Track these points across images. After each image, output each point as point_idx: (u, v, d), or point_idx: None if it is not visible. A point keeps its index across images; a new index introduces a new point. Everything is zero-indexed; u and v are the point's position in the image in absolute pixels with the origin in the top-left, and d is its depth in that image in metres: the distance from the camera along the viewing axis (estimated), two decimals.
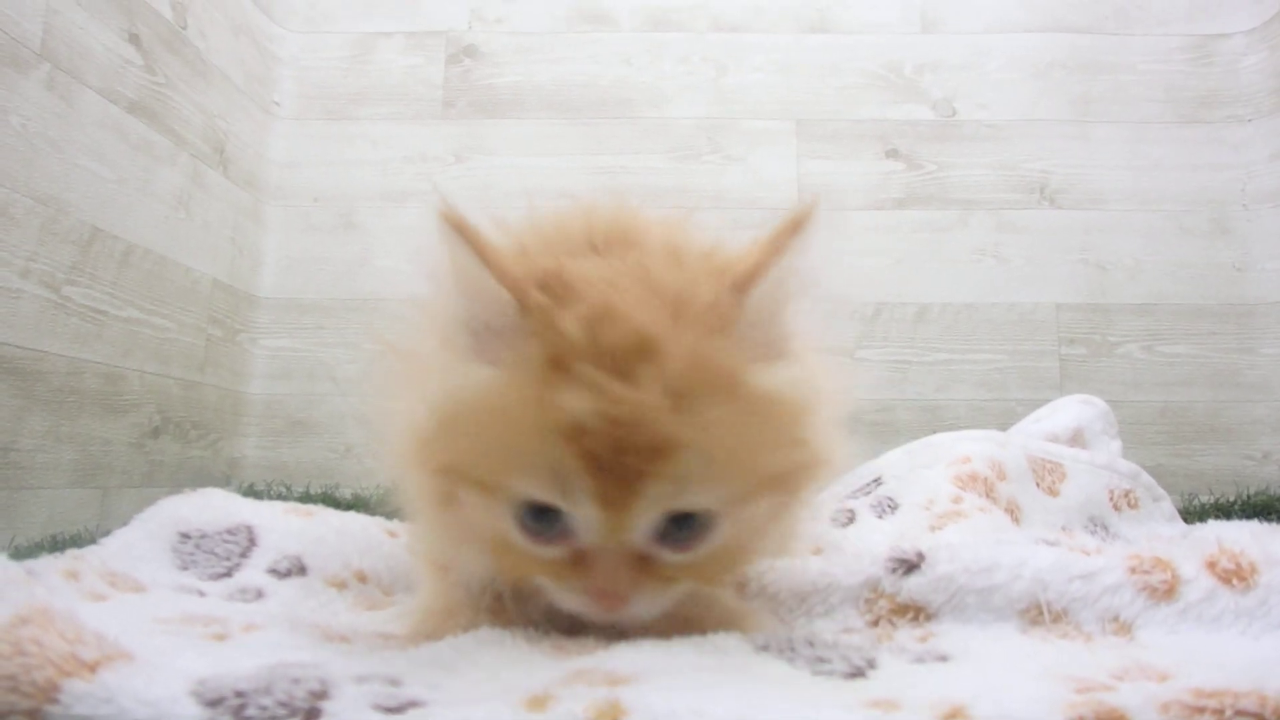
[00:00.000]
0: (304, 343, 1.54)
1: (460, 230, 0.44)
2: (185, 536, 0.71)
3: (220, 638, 0.50)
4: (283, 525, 0.75)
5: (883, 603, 0.57)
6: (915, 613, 0.57)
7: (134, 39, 1.20)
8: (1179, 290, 1.56)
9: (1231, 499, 1.38)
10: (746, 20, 1.64)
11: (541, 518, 0.44)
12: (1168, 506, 1.03)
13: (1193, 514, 1.18)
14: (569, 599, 0.46)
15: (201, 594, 0.65)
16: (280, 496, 1.33)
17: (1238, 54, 1.60)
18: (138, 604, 0.57)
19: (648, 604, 0.46)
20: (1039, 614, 0.54)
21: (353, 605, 0.69)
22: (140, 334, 1.21)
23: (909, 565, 0.58)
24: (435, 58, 1.63)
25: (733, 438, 0.43)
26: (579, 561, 0.45)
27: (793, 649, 0.45)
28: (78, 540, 1.02)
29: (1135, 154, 1.59)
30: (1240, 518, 1.23)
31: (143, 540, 0.70)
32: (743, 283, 0.45)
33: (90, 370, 1.11)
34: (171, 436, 1.29)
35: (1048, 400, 1.53)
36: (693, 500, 0.44)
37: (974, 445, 0.98)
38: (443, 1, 1.65)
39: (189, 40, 1.33)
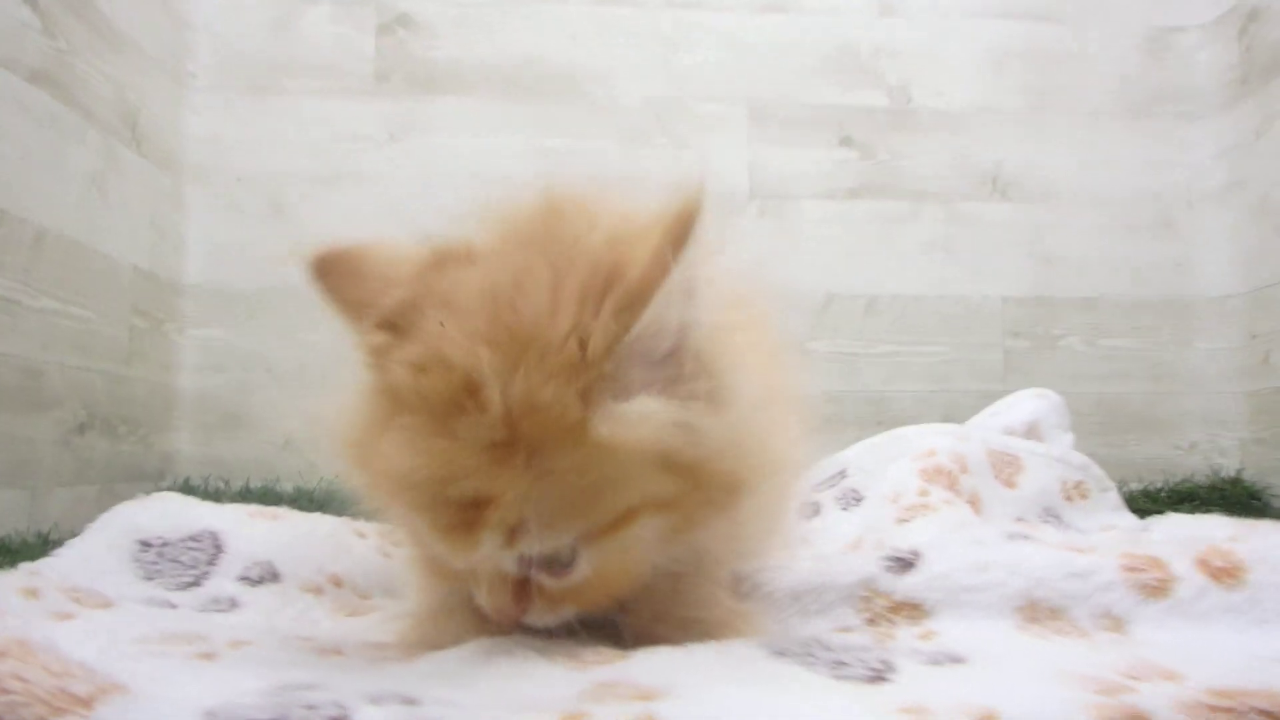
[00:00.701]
0: (235, 333, 1.50)
1: (318, 273, 0.48)
2: (146, 545, 0.70)
3: (208, 657, 0.49)
4: (249, 530, 0.74)
5: (879, 601, 0.60)
6: (912, 610, 0.59)
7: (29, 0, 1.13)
8: (1122, 285, 1.65)
9: (1159, 486, 1.48)
10: None
11: None
12: (1114, 497, 1.11)
13: (1124, 501, 1.26)
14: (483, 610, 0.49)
15: (171, 605, 0.64)
16: (219, 492, 1.30)
17: (1192, 48, 1.69)
18: (109, 622, 0.56)
19: (542, 620, 0.49)
20: (1034, 611, 0.58)
21: (331, 611, 0.70)
22: (59, 325, 1.16)
23: (904, 563, 0.61)
24: (365, 27, 1.59)
25: (570, 483, 0.43)
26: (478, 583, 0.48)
27: (810, 654, 0.47)
28: (8, 544, 0.99)
29: (1087, 148, 1.67)
30: (1167, 505, 1.33)
31: (101, 551, 0.68)
32: (624, 308, 0.43)
33: (5, 365, 1.07)
34: (99, 432, 1.25)
35: (992, 392, 1.61)
36: (533, 544, 0.44)
37: (938, 439, 1.03)
38: None
39: (92, 2, 1.27)
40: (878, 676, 0.44)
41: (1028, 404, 1.21)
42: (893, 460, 1.01)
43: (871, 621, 0.59)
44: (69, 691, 0.36)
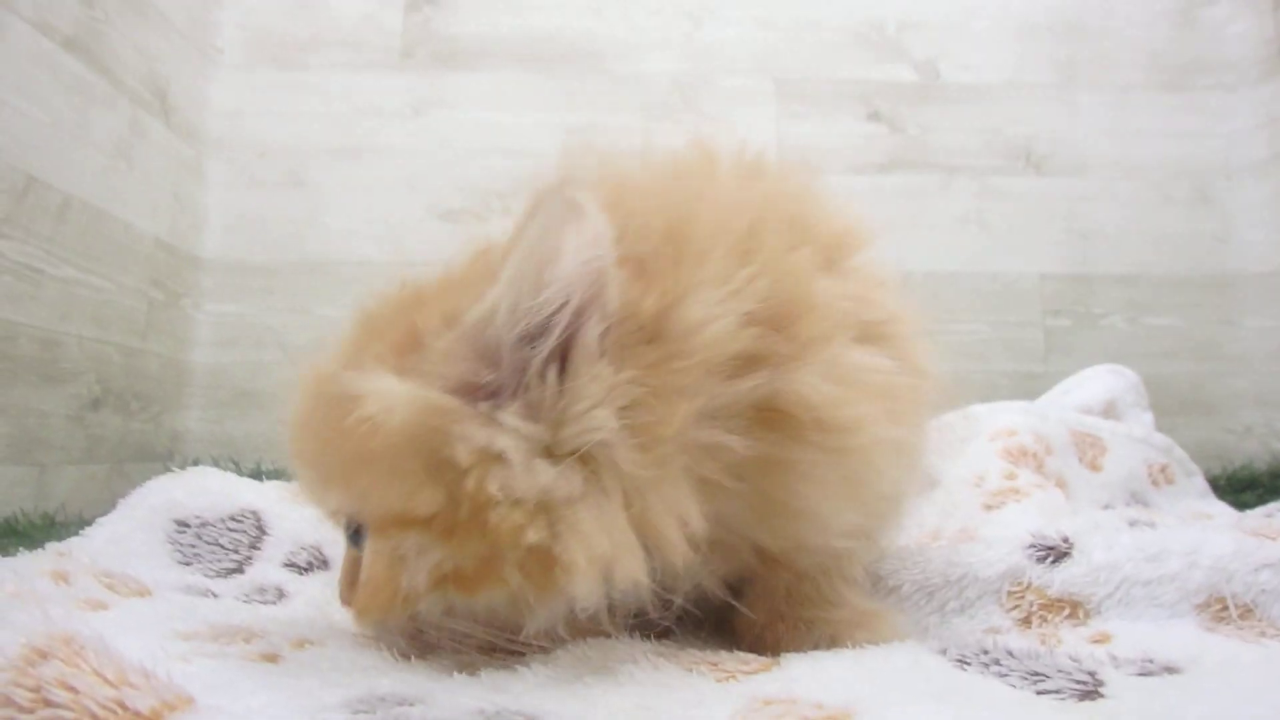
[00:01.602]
0: (250, 308, 1.52)
1: None
2: (183, 525, 0.65)
3: (271, 659, 0.44)
4: (294, 510, 0.70)
5: (1030, 596, 0.54)
6: (1072, 608, 0.53)
7: None
8: (1162, 261, 1.63)
9: (1216, 473, 1.45)
10: None
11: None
12: (1200, 482, 1.07)
13: None
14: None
15: (213, 594, 0.60)
16: (230, 473, 1.31)
17: (1223, 20, 1.68)
18: (148, 613, 0.51)
19: (362, 616, 0.45)
20: (1222, 609, 0.51)
21: None
22: (78, 295, 1.19)
23: (1057, 553, 0.55)
24: (392, 4, 1.61)
25: (329, 458, 0.45)
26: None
27: (996, 663, 0.42)
28: (14, 524, 0.99)
29: (1119, 120, 1.65)
30: (1227, 494, 1.29)
31: (134, 531, 0.64)
32: (449, 318, 0.41)
33: (25, 334, 1.09)
34: (112, 409, 1.26)
35: (1032, 373, 1.60)
36: (328, 500, 0.47)
37: (1016, 417, 0.98)
38: None
39: None
40: (1089, 692, 0.39)
41: (1104, 380, 1.17)
42: (966, 440, 0.97)
43: (1025, 621, 0.53)
44: (127, 705, 0.30)
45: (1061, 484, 0.93)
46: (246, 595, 0.61)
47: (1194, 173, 1.65)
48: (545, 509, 0.38)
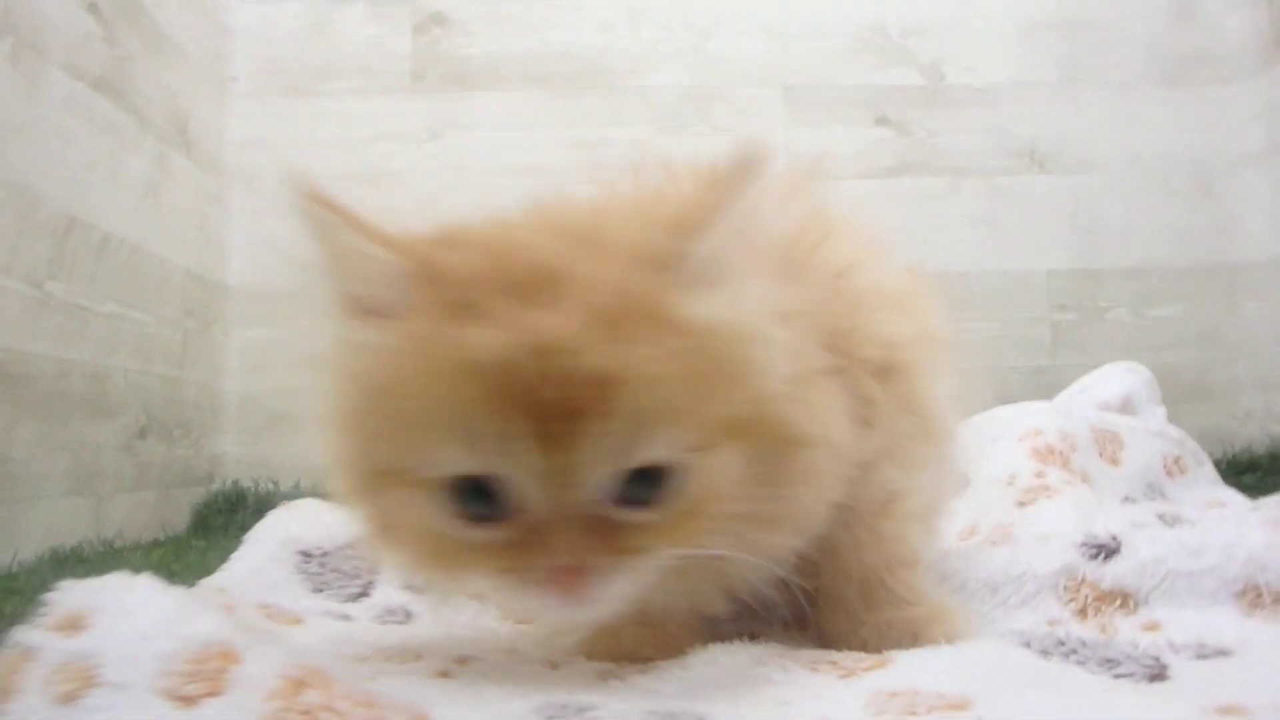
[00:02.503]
0: (279, 333, 1.58)
1: (323, 202, 0.44)
2: (307, 556, 0.71)
3: (445, 675, 0.48)
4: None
5: (1085, 590, 0.60)
6: (1122, 599, 0.59)
7: (93, 8, 1.22)
8: (1166, 253, 1.70)
9: (1218, 457, 1.52)
10: None
11: (475, 498, 0.41)
12: (1209, 469, 1.13)
13: None
14: (522, 595, 0.42)
15: (347, 617, 0.65)
16: (270, 494, 1.38)
17: (1220, 12, 1.75)
18: (317, 641, 0.56)
19: (613, 582, 0.42)
20: (1258, 596, 0.56)
21: (499, 617, 0.66)
22: (121, 330, 1.25)
23: (1107, 550, 0.61)
24: (401, 27, 1.67)
25: (675, 372, 0.40)
26: (528, 541, 0.41)
27: (1073, 651, 0.48)
28: (80, 552, 1.06)
29: (1122, 115, 1.72)
30: (1228, 476, 1.36)
31: (268, 565, 0.70)
32: (680, 227, 0.42)
33: (76, 371, 1.15)
34: (157, 437, 1.33)
35: (1041, 367, 1.67)
36: (647, 447, 0.40)
37: (1041, 418, 1.04)
38: None
39: (145, 9, 1.36)
40: (1157, 674, 0.45)
41: (1120, 378, 1.23)
42: (995, 440, 1.02)
43: (1081, 612, 0.59)
44: None
45: (1085, 479, 0.98)
46: (379, 617, 0.66)
47: (1195, 165, 1.72)
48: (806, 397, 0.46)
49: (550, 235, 0.43)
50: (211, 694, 0.33)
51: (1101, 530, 0.63)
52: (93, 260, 1.19)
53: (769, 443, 0.44)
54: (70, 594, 0.37)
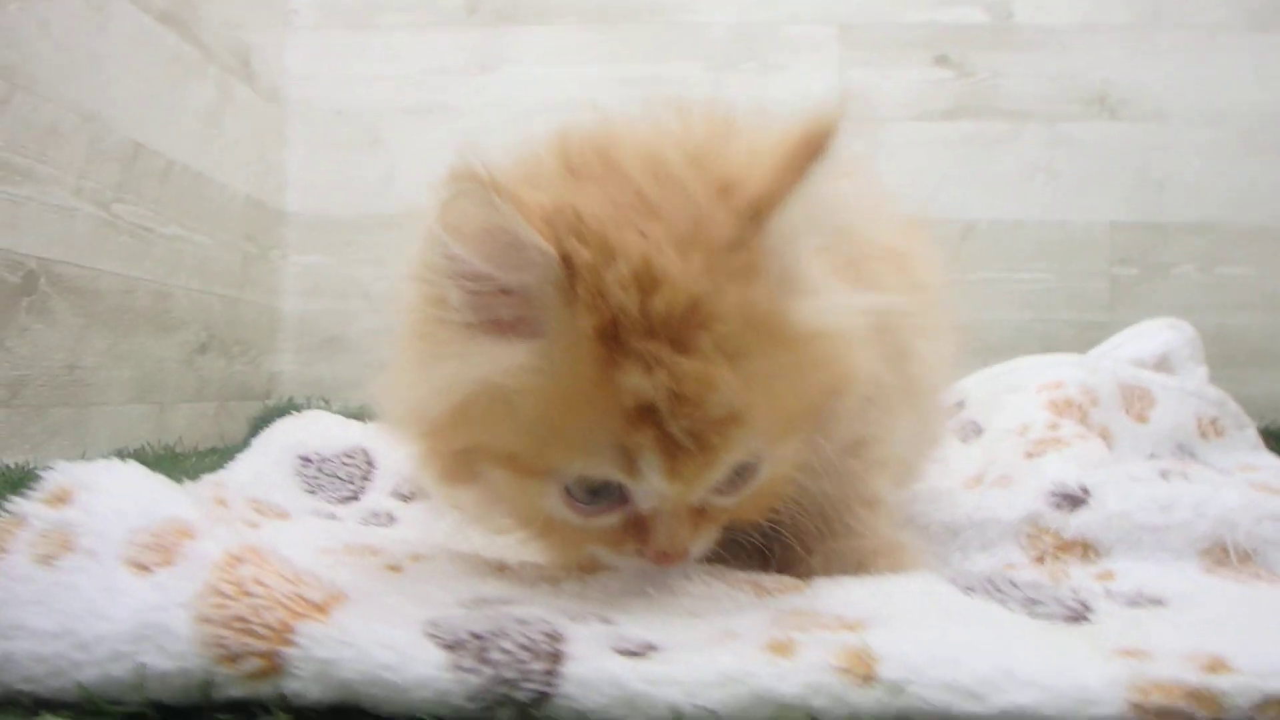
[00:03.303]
0: (333, 259, 1.69)
1: (493, 187, 0.42)
2: (306, 460, 0.79)
3: (395, 569, 0.54)
4: (395, 448, 0.79)
5: (1047, 539, 0.61)
6: (1084, 549, 0.60)
7: None
8: (1241, 209, 1.66)
9: None
10: None
11: (594, 492, 0.47)
12: (1252, 434, 1.10)
13: None
14: (625, 561, 0.50)
15: (335, 518, 0.73)
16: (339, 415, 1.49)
17: None
18: (292, 533, 0.62)
19: (699, 551, 0.50)
20: (1224, 554, 0.57)
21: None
22: (184, 251, 1.36)
23: (1074, 500, 0.62)
24: None
25: (781, 386, 0.46)
26: (634, 526, 0.48)
27: (999, 589, 0.48)
28: (141, 456, 1.19)
29: (1203, 64, 1.67)
30: None
31: (269, 466, 0.78)
32: (757, 211, 0.46)
33: (142, 288, 1.27)
34: (217, 353, 1.46)
35: (1096, 322, 1.66)
36: (752, 454, 0.48)
37: (1065, 370, 1.05)
38: None
39: None
40: (1077, 616, 0.45)
41: (1159, 335, 1.21)
42: (1013, 391, 1.03)
43: (1039, 560, 0.60)
44: (305, 597, 0.39)
45: (1105, 434, 0.98)
46: (364, 519, 0.74)
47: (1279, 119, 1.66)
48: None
49: (669, 243, 0.45)
50: (165, 564, 0.41)
51: (1072, 480, 0.64)
52: (157, 184, 1.30)
53: (823, 417, 0.51)
54: (62, 473, 0.45)
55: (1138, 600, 0.51)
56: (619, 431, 0.44)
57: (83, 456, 1.08)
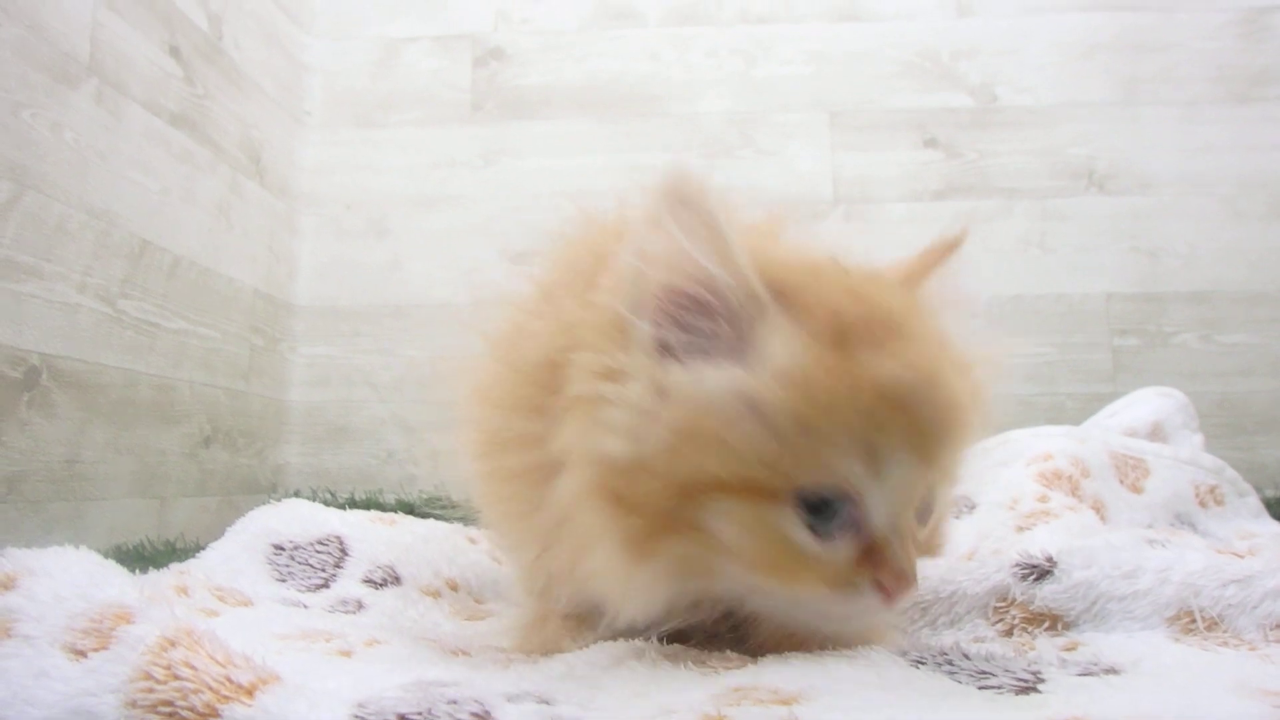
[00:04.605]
0: (341, 349, 1.68)
1: (705, 207, 0.44)
2: (279, 548, 0.78)
3: (346, 654, 0.54)
4: (371, 534, 0.82)
5: (1014, 611, 0.60)
6: (1052, 621, 0.59)
7: (174, 51, 1.34)
8: (1236, 276, 1.64)
9: None
10: (774, 11, 1.76)
11: (820, 515, 0.46)
12: (1254, 502, 1.06)
13: None
14: (852, 607, 0.47)
15: (304, 605, 0.71)
16: (326, 503, 1.46)
17: None
18: (251, 620, 0.62)
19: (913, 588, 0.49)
20: (1191, 621, 0.56)
21: (450, 614, 0.74)
22: (189, 345, 1.35)
23: (1040, 571, 0.60)
24: (461, 60, 1.76)
25: (973, 407, 0.49)
26: (866, 558, 0.46)
27: (950, 662, 0.47)
28: (141, 550, 1.15)
29: (1186, 135, 1.68)
30: None
31: (239, 553, 0.77)
32: (909, 278, 0.53)
33: (145, 382, 1.25)
34: (221, 445, 1.43)
35: (1100, 394, 1.62)
36: (954, 474, 0.50)
37: (1054, 442, 1.02)
38: (468, 4, 1.78)
39: (224, 51, 1.48)
40: (1027, 687, 0.44)
41: (1150, 403, 1.19)
42: (1005, 465, 1.01)
43: (1008, 633, 0.59)
44: (234, 680, 0.39)
45: (1099, 506, 0.95)
46: (331, 606, 0.72)
47: (1266, 185, 1.66)
48: None
49: (862, 278, 0.50)
50: (100, 648, 0.40)
51: (1038, 551, 0.62)
52: (164, 280, 1.30)
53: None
54: (9, 559, 0.45)
55: (1091, 669, 0.49)
56: (866, 423, 0.44)
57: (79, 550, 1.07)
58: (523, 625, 0.60)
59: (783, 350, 0.45)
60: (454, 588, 0.80)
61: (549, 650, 0.53)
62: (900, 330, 0.46)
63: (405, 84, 1.76)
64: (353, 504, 1.44)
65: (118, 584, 0.44)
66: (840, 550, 0.46)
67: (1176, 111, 1.68)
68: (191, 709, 0.38)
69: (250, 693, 0.39)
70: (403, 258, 1.70)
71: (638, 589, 0.49)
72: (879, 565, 0.46)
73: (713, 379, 0.45)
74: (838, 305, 0.46)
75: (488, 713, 0.39)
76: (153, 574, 0.68)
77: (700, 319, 0.46)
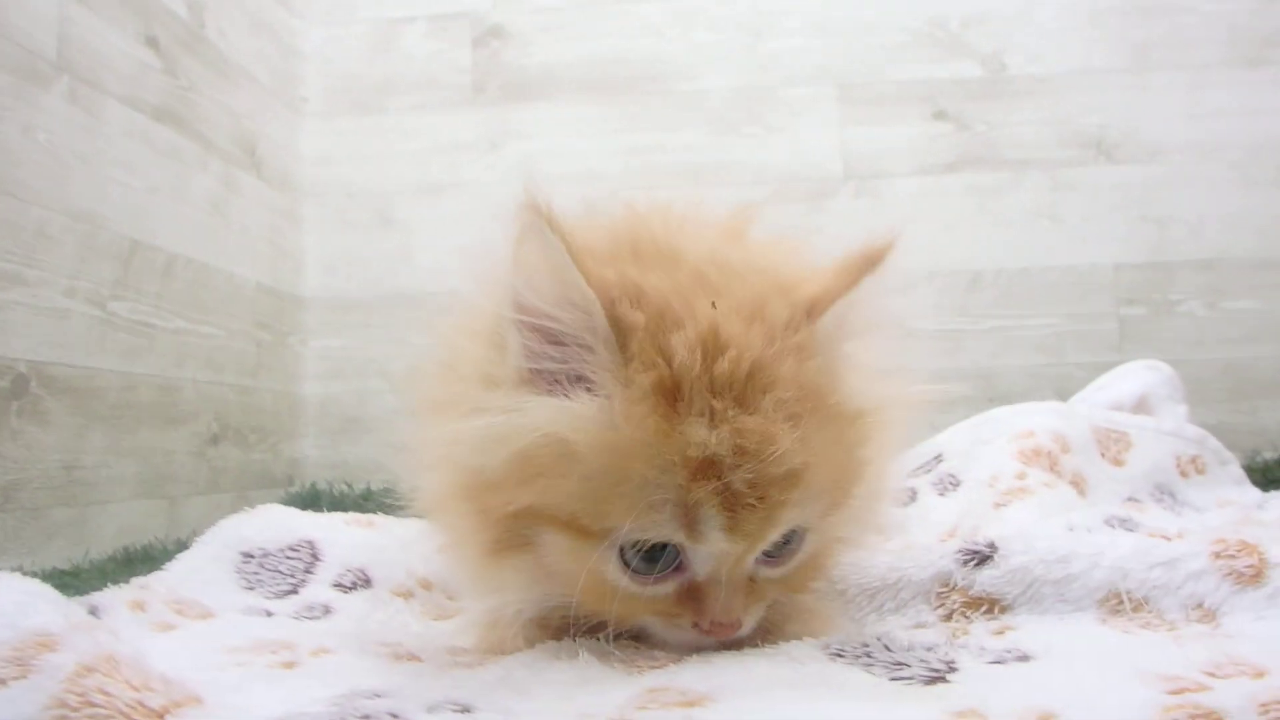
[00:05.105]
0: (352, 341, 1.57)
1: (552, 225, 0.41)
2: (248, 556, 0.72)
3: (290, 665, 0.51)
4: (345, 538, 0.76)
5: (955, 596, 0.58)
6: (990, 605, 0.57)
7: (151, 42, 1.20)
8: (1243, 244, 1.53)
9: None
10: None
11: (651, 557, 0.44)
12: (1235, 470, 1.04)
13: (1255, 471, 1.17)
14: (677, 635, 0.47)
15: (269, 614, 0.66)
16: (343, 495, 1.36)
17: None
18: (206, 633, 0.59)
19: (750, 624, 0.47)
20: (1119, 603, 0.54)
21: (421, 614, 0.70)
22: (190, 343, 1.24)
23: (981, 557, 0.59)
24: (461, 41, 1.62)
25: (830, 455, 0.45)
26: (689, 596, 0.45)
27: (869, 655, 0.45)
28: (150, 551, 1.06)
29: (1196, 101, 1.55)
30: None
31: (207, 564, 0.71)
32: (814, 304, 0.46)
33: (144, 383, 1.14)
34: (231, 442, 1.33)
35: (1107, 363, 1.51)
36: (805, 519, 0.45)
37: (1036, 419, 0.98)
38: None
39: (208, 40, 1.34)
40: (937, 678, 0.43)
41: (1136, 377, 1.15)
42: (988, 442, 0.97)
43: (947, 618, 0.58)
44: (145, 704, 0.38)
45: (1079, 481, 0.93)
46: (297, 613, 0.67)
47: (1277, 151, 1.53)
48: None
49: (734, 316, 0.44)
50: (20, 677, 0.38)
51: (980, 537, 0.60)
52: (158, 280, 1.18)
53: (864, 487, 0.49)
54: None
55: (1004, 657, 0.47)
56: (680, 488, 0.42)
57: (85, 555, 0.99)
58: (479, 624, 0.57)
59: (616, 398, 0.42)
60: (427, 587, 0.74)
61: (505, 650, 0.51)
62: (747, 389, 0.42)
63: (404, 67, 1.62)
64: (369, 495, 1.34)
65: (46, 611, 0.41)
66: (665, 588, 0.45)
67: (1186, 76, 1.55)
68: None
69: (161, 717, 0.37)
70: (412, 247, 1.58)
71: (491, 590, 0.50)
72: (698, 610, 0.45)
73: (543, 414, 0.43)
74: (687, 356, 0.42)
75: None
76: (108, 590, 0.63)
77: (551, 348, 0.43)
